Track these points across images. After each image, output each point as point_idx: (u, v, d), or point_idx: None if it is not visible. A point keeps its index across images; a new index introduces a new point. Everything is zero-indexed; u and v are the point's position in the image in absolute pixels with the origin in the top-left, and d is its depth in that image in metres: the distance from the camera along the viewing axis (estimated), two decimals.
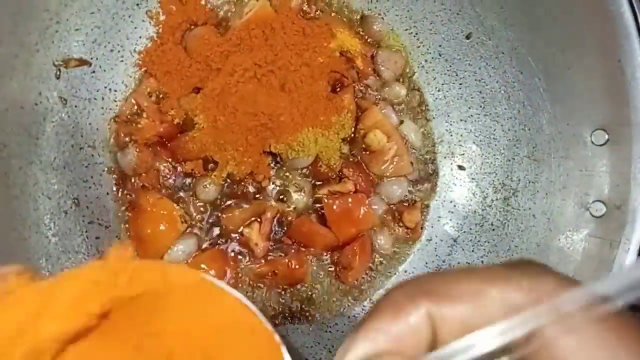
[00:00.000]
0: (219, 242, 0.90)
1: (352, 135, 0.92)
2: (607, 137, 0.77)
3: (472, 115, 0.95)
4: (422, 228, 0.95)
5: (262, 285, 0.90)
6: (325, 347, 0.89)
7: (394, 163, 0.92)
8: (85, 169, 0.85)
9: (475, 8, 0.89)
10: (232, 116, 0.83)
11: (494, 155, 0.93)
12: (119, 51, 0.88)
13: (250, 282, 0.90)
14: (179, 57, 0.87)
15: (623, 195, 0.75)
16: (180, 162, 0.88)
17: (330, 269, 0.92)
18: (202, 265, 0.88)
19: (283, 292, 0.91)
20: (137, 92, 0.88)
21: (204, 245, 0.89)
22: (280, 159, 0.90)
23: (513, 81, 0.89)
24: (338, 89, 0.91)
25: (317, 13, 0.94)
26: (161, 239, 0.87)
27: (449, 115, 0.96)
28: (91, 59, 0.85)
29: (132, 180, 0.88)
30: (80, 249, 0.82)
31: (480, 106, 0.93)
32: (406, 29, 0.96)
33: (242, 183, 0.90)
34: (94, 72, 0.86)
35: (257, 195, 0.90)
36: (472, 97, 0.94)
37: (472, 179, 0.95)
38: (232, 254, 0.90)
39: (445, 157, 0.97)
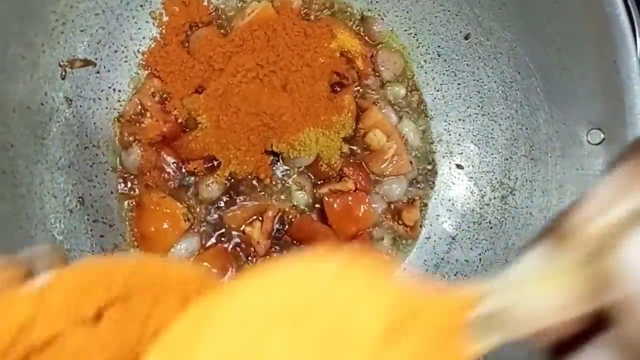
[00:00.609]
0: (221, 240, 0.90)
1: (353, 134, 0.93)
2: (602, 136, 0.77)
3: (470, 115, 0.95)
4: (421, 226, 0.96)
5: None
6: None
7: (394, 162, 0.93)
8: (90, 168, 0.86)
9: (473, 9, 0.90)
10: (234, 116, 0.84)
11: (492, 154, 0.93)
12: (123, 52, 0.88)
13: None
14: (182, 58, 0.88)
15: None
16: (183, 161, 0.89)
17: None
18: (205, 263, 0.88)
19: None
20: (140, 92, 0.89)
21: (207, 244, 0.90)
22: (282, 158, 0.90)
23: (511, 81, 0.89)
24: (338, 89, 0.92)
25: (318, 14, 0.95)
26: (165, 237, 0.88)
27: (447, 115, 0.97)
28: (96, 59, 0.86)
29: (136, 179, 0.89)
30: (85, 247, 0.83)
31: (479, 106, 0.94)
32: (406, 30, 0.97)
33: (244, 182, 0.90)
34: (98, 72, 0.87)
35: (259, 194, 0.91)
36: (470, 97, 0.95)
37: (471, 177, 0.96)
38: (234, 252, 0.90)
39: (443, 156, 0.97)
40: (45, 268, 0.39)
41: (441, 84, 0.97)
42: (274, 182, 0.92)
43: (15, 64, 0.76)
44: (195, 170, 0.89)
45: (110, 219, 0.87)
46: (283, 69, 0.86)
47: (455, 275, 0.92)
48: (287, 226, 0.91)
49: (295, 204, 0.92)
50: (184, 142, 0.87)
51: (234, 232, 0.91)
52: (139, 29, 0.89)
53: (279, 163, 0.91)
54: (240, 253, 0.91)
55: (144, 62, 0.89)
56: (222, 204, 0.90)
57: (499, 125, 0.92)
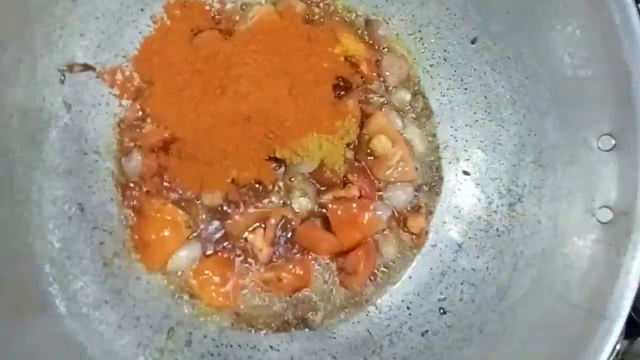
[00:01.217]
0: (223, 247, 0.89)
1: (357, 140, 0.92)
2: (613, 142, 0.76)
3: (477, 121, 0.94)
4: (426, 234, 0.95)
5: (266, 291, 0.90)
6: (329, 354, 0.89)
7: (399, 168, 0.92)
8: (90, 174, 0.85)
9: (480, 13, 0.89)
10: (237, 121, 0.83)
11: (499, 160, 0.92)
12: (123, 56, 0.87)
13: (254, 288, 0.90)
14: (184, 62, 0.86)
15: (630, 201, 0.74)
16: None
17: (334, 275, 0.91)
18: (206, 271, 0.88)
19: (287, 298, 0.90)
20: (141, 98, 0.88)
21: (209, 251, 0.89)
22: (285, 164, 0.89)
23: (518, 86, 0.88)
24: (342, 94, 0.91)
25: (321, 18, 0.94)
26: (166, 244, 0.87)
27: (453, 121, 0.96)
28: (95, 64, 0.85)
29: (137, 186, 0.87)
30: (85, 255, 0.82)
31: (486, 111, 0.93)
32: (411, 34, 0.96)
33: (247, 189, 0.89)
34: (98, 77, 0.85)
35: (262, 201, 0.90)
36: (477, 102, 0.94)
37: (477, 184, 0.94)
38: (236, 260, 0.89)
39: (450, 163, 0.96)
40: None
41: (447, 89, 0.96)
42: (277, 189, 0.91)
43: (13, 68, 0.74)
44: None
45: (110, 226, 0.85)
46: (286, 73, 0.84)
47: (462, 284, 0.91)
48: (290, 233, 0.90)
49: (298, 210, 0.91)
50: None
51: (236, 240, 0.90)
52: (140, 32, 0.88)
53: (282, 169, 0.90)
54: (243, 261, 0.90)
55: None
56: (224, 211, 0.89)
57: (507, 130, 0.91)
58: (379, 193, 0.93)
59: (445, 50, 0.94)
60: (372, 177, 0.92)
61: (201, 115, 0.83)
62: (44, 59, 0.78)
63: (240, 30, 0.88)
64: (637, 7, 0.72)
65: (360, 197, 0.90)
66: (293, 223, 0.90)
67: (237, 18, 0.91)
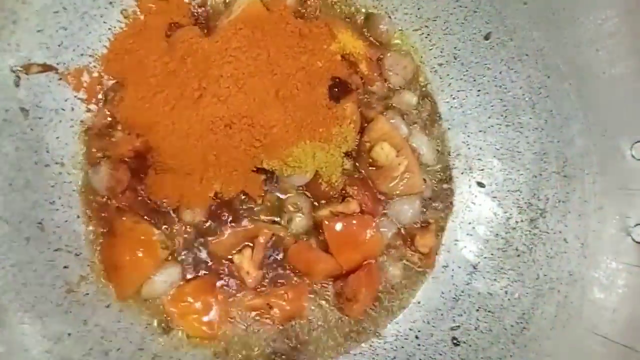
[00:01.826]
0: (205, 270, 0.84)
1: (356, 148, 0.87)
2: None
3: (492, 126, 0.90)
4: (436, 253, 0.91)
5: (254, 320, 0.84)
6: None
7: (405, 180, 0.87)
8: (52, 188, 0.78)
9: (494, 5, 0.85)
10: (218, 128, 0.77)
11: (518, 170, 0.89)
12: (90, 55, 0.81)
13: (241, 317, 0.84)
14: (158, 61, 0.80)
15: None
16: None
17: (332, 303, 0.87)
18: (187, 298, 0.82)
19: (278, 328, 0.85)
20: (111, 103, 0.82)
21: (189, 275, 0.83)
22: (275, 176, 0.84)
23: (539, 87, 0.85)
24: (340, 97, 0.86)
25: (315, 12, 0.89)
26: (139, 267, 0.80)
27: (466, 126, 0.92)
28: (57, 64, 0.79)
29: (107, 202, 0.81)
30: (45, 281, 0.75)
31: (502, 115, 0.89)
32: (416, 29, 0.92)
33: (232, 203, 0.84)
34: (61, 79, 0.80)
35: (249, 218, 0.85)
36: (492, 106, 0.90)
37: (494, 197, 0.90)
38: (221, 285, 0.84)
39: (462, 173, 0.92)
40: None
41: (458, 91, 0.92)
42: (267, 204, 0.85)
43: None
44: None
45: (76, 247, 0.79)
46: (273, 73, 0.79)
47: (477, 310, 0.86)
48: (281, 254, 0.85)
49: (291, 228, 0.85)
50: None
51: (220, 261, 0.84)
52: (109, 29, 0.82)
53: (273, 182, 0.85)
54: (227, 285, 0.84)
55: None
56: (207, 229, 0.84)
57: (526, 137, 0.87)
58: (383, 208, 0.89)
59: (455, 48, 0.91)
60: (375, 190, 0.88)
61: (177, 121, 0.77)
62: None
63: (222, 25, 0.82)
64: None
65: (361, 212, 0.86)
66: (285, 242, 0.85)
67: (220, 12, 0.86)
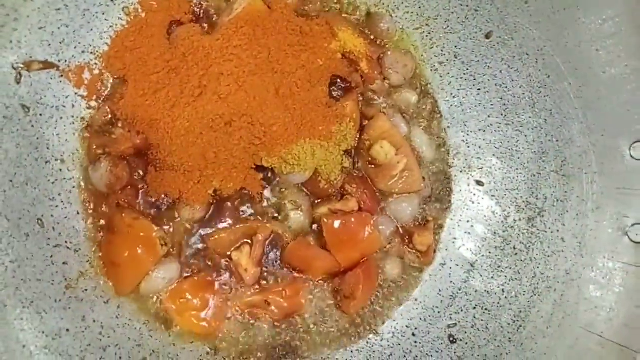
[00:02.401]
0: (204, 267, 0.83)
1: (356, 147, 0.87)
2: None
3: (492, 125, 0.90)
4: (435, 251, 0.91)
5: (252, 316, 0.84)
6: None
7: (404, 178, 0.87)
8: (52, 185, 0.78)
9: (495, 4, 0.85)
10: (218, 125, 0.76)
11: (517, 169, 0.88)
12: (91, 52, 0.81)
13: (239, 313, 0.84)
14: (159, 59, 0.80)
15: None
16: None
17: (330, 301, 0.86)
18: (185, 294, 0.82)
19: (276, 324, 0.85)
20: (111, 99, 0.82)
21: (188, 271, 0.83)
22: (274, 174, 0.84)
23: (539, 86, 0.85)
24: (340, 95, 0.86)
25: (316, 10, 0.88)
26: (138, 264, 0.80)
27: (465, 125, 0.91)
28: (59, 61, 0.78)
29: (106, 198, 0.81)
30: (44, 277, 0.74)
31: (502, 114, 0.89)
32: (417, 28, 0.91)
33: (231, 201, 0.84)
34: (62, 76, 0.79)
35: (248, 215, 0.85)
36: (492, 104, 0.90)
37: (492, 196, 0.90)
38: (219, 281, 0.84)
39: (461, 172, 0.92)
40: None
41: (458, 90, 0.91)
42: (266, 201, 0.85)
43: None
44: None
45: (75, 244, 0.79)
46: (274, 72, 0.78)
47: (474, 308, 0.86)
48: (280, 251, 0.85)
49: (289, 226, 0.85)
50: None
51: (219, 258, 0.84)
52: (110, 26, 0.82)
53: (272, 179, 0.85)
54: (226, 283, 0.84)
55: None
56: (206, 226, 0.84)
57: (525, 136, 0.87)
58: (381, 206, 0.89)
59: (456, 46, 0.90)
60: (374, 188, 0.88)
61: (177, 118, 0.77)
62: None
63: (223, 23, 0.82)
64: None
65: (360, 210, 0.86)
66: (284, 240, 0.85)
67: (221, 10, 0.86)
